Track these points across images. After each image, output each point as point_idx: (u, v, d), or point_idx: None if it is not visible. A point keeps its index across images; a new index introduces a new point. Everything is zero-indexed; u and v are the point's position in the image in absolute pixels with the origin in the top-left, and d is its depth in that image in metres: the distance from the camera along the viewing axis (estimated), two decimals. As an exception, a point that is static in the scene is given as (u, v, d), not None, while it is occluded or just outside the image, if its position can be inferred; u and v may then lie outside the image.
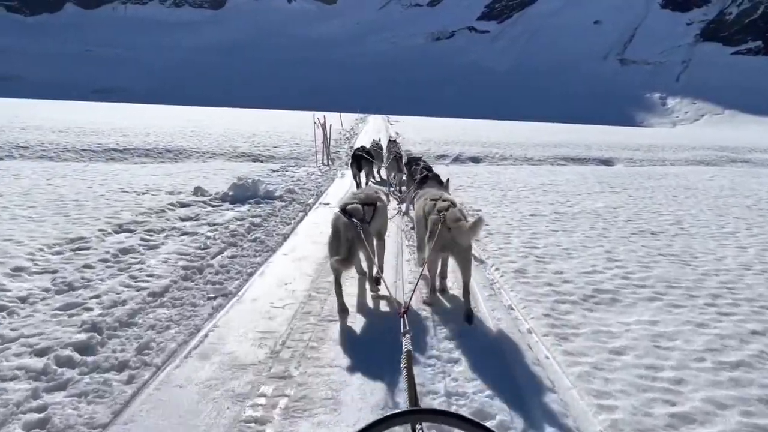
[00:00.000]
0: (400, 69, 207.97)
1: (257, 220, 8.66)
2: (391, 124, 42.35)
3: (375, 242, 5.83)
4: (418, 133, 32.87)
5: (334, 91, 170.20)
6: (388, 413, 1.47)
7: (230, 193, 9.86)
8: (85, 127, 23.26)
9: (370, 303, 5.90)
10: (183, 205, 9.55)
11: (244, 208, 9.56)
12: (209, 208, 9.49)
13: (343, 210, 5.51)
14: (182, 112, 46.03)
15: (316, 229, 8.65)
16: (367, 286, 6.13)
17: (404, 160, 11.80)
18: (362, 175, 13.50)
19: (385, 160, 14.78)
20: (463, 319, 5.29)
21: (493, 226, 9.14)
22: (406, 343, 2.87)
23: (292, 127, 32.21)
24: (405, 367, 2.66)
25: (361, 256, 5.76)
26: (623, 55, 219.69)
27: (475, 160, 23.58)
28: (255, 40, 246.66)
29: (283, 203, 10.22)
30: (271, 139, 24.57)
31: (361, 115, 53.19)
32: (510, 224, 9.41)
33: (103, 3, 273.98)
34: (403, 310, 3.51)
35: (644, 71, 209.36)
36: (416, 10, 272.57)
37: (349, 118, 43.49)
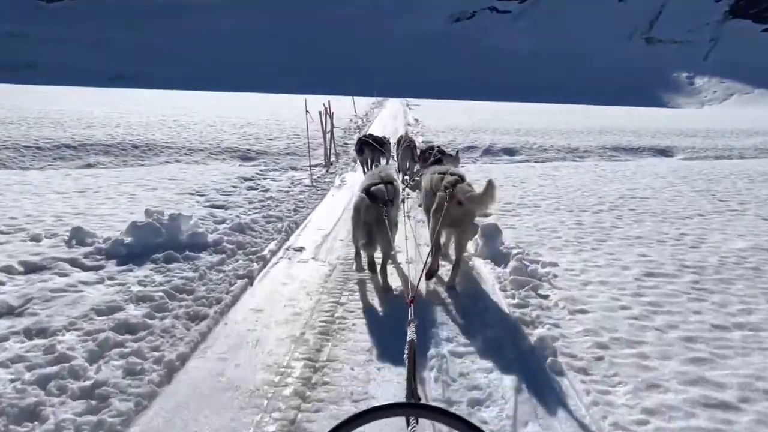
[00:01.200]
0: (419, 50, 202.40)
1: (138, 315, 4.49)
2: (410, 109, 38.20)
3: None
4: (440, 119, 28.73)
5: (351, 73, 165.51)
6: (371, 407, 1.44)
7: (126, 241, 5.87)
8: (46, 117, 19.55)
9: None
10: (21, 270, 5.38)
11: (138, 274, 5.47)
12: (61, 281, 5.18)
13: (367, 191, 5.40)
14: (184, 98, 42.39)
15: (273, 330, 4.61)
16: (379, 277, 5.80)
17: (417, 152, 11.60)
18: (368, 162, 12.90)
19: (395, 149, 13.38)
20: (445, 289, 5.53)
21: (596, 307, 5.11)
22: (410, 333, 2.82)
23: (299, 113, 28.44)
24: (407, 357, 2.62)
25: (378, 246, 5.52)
26: (649, 33, 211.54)
27: (510, 152, 19.44)
28: (275, 22, 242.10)
29: (219, 257, 6.09)
30: (268, 129, 20.71)
31: (378, 99, 48.89)
32: (618, 300, 5.31)
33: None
34: (409, 299, 3.51)
35: (671, 50, 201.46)
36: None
37: (364, 103, 39.40)
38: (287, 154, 16.28)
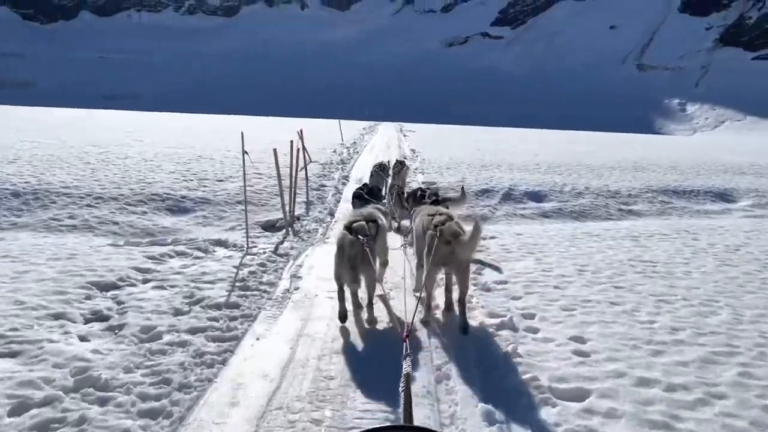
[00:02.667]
0: (413, 75, 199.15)
1: None
2: (405, 136, 33.48)
3: (378, 263, 5.83)
4: (442, 149, 23.95)
5: (343, 96, 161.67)
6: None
7: None
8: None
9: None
10: None
11: None
12: None
13: (348, 228, 5.51)
14: (150, 120, 37.55)
15: None
16: (364, 316, 5.71)
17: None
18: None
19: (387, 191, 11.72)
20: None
21: None
22: (406, 366, 2.90)
23: (277, 140, 23.88)
24: (403, 390, 2.65)
25: (362, 280, 5.54)
26: (641, 60, 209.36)
27: (537, 197, 14.59)
28: (268, 46, 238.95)
29: None
30: (226, 162, 15.85)
31: (370, 124, 44.16)
32: None
33: (119, 11, 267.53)
34: (405, 333, 3.67)
35: (662, 76, 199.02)
36: (429, 17, 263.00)
37: (354, 128, 34.69)
38: (238, 202, 11.48)
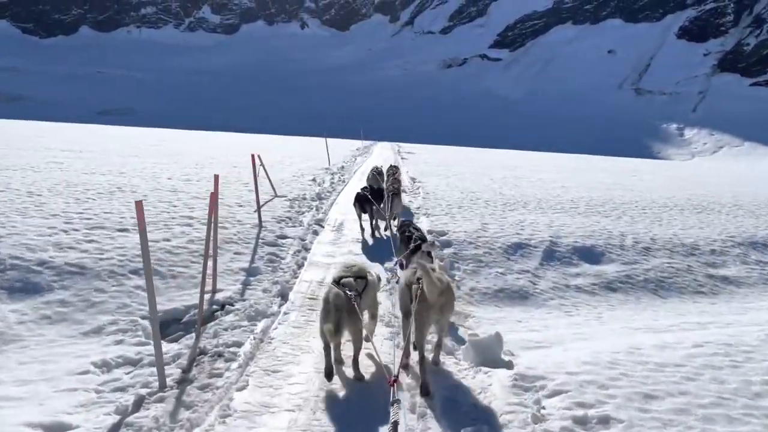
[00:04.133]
0: (411, 95, 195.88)
1: None
2: (403, 159, 28.85)
3: (367, 319, 5.82)
4: (448, 179, 19.24)
5: (340, 116, 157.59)
6: None
7: None
8: None
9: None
10: None
11: None
12: None
13: (336, 282, 5.46)
14: (112, 136, 32.85)
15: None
16: (349, 372, 5.48)
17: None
18: (366, 218, 11.31)
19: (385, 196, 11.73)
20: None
21: None
22: (393, 414, 2.93)
23: (241, 163, 19.41)
24: None
25: (347, 335, 5.38)
26: (638, 84, 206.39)
27: (591, 256, 9.78)
28: (267, 64, 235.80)
29: None
30: (152, 198, 11.19)
31: (365, 143, 39.55)
32: None
33: (118, 26, 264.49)
34: (392, 378, 3.70)
35: (660, 101, 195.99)
36: (428, 38, 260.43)
37: (346, 148, 30.13)
38: (133, 273, 6.85)
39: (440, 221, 11.76)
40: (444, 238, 10.42)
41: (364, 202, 11.07)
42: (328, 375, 5.22)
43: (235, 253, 8.65)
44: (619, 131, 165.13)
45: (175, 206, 11.04)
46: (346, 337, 5.37)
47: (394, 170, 14.20)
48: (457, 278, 8.85)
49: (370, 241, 10.76)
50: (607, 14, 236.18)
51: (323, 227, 11.34)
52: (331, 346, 5.32)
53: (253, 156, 12.60)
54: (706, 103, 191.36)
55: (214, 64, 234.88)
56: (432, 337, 5.80)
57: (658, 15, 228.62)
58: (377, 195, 11.58)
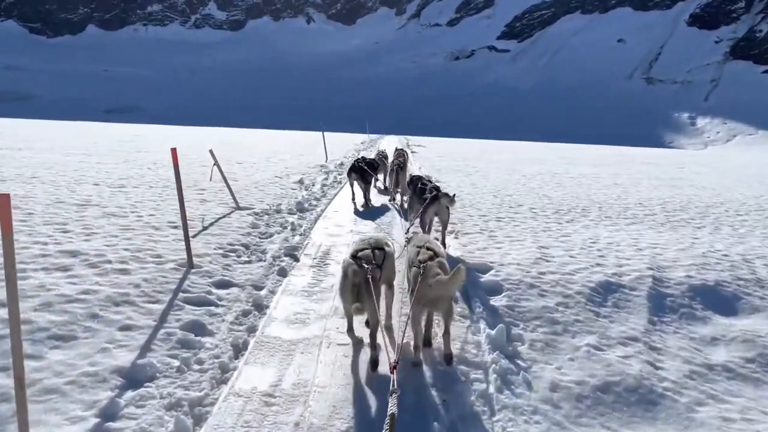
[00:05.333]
0: (419, 87, 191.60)
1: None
2: (413, 152, 24.89)
3: (384, 290, 5.49)
4: (470, 176, 15.22)
5: (350, 109, 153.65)
6: None
7: None
8: None
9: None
10: None
11: None
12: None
13: (354, 256, 5.06)
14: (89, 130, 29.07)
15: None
16: (366, 341, 5.05)
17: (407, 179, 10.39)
18: (360, 190, 11.44)
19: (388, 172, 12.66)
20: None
21: None
22: (391, 404, 2.65)
23: (241, 163, 15.68)
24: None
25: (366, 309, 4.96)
26: (649, 74, 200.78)
27: (719, 301, 5.41)
28: (273, 59, 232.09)
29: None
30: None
31: (371, 137, 35.61)
32: None
33: (125, 24, 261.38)
34: (392, 364, 3.35)
35: (671, 90, 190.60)
36: (435, 30, 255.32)
37: (350, 142, 26.30)
38: None
39: (477, 244, 7.90)
40: (489, 277, 6.58)
41: (358, 172, 11.01)
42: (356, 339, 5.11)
43: (121, 328, 4.84)
44: (631, 121, 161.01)
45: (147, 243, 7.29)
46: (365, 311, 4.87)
47: (399, 152, 13.56)
48: (521, 361, 5.05)
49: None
50: (617, 3, 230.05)
51: (297, 260, 7.35)
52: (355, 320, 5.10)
53: (211, 152, 8.85)
54: (719, 91, 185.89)
55: (220, 60, 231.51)
56: (438, 323, 5.30)
57: (668, 2, 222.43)
58: (372, 168, 11.79)
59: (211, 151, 9.31)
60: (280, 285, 6.42)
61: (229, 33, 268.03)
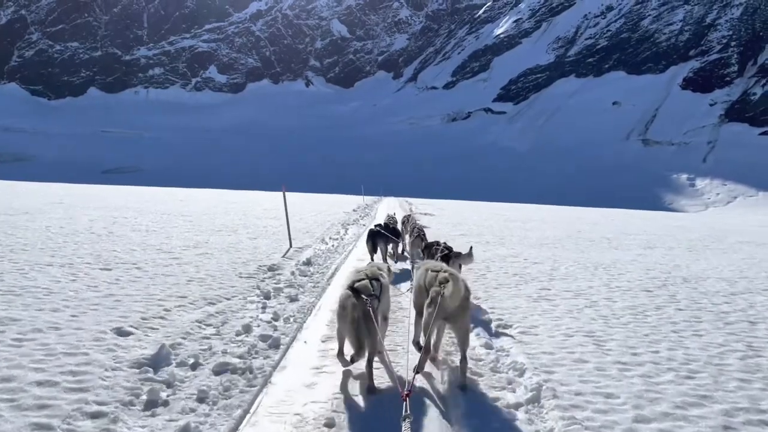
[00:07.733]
0: (417, 149, 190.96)
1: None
2: (424, 224, 20.45)
3: (380, 321, 5.31)
4: (518, 273, 10.78)
5: (346, 171, 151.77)
6: None
7: None
8: None
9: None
10: None
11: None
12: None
13: (351, 288, 5.02)
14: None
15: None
16: (361, 373, 5.09)
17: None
18: (377, 255, 11.28)
19: (406, 236, 13.02)
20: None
21: None
22: (404, 430, 2.65)
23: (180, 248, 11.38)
24: None
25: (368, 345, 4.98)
26: (645, 135, 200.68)
27: None
28: (272, 122, 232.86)
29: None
30: None
31: (366, 200, 31.46)
32: None
33: (126, 87, 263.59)
34: (405, 392, 3.39)
35: (668, 151, 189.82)
36: (432, 93, 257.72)
37: (340, 208, 22.28)
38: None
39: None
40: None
41: (377, 237, 11.01)
42: (346, 363, 5.13)
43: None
44: (630, 182, 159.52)
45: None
46: (365, 346, 4.84)
47: (406, 219, 13.73)
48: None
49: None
50: (610, 67, 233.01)
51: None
52: (346, 347, 5.08)
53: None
54: (716, 152, 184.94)
55: (219, 122, 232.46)
56: (455, 351, 5.43)
57: (661, 67, 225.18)
58: (392, 233, 11.63)
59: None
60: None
61: (228, 95, 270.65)
